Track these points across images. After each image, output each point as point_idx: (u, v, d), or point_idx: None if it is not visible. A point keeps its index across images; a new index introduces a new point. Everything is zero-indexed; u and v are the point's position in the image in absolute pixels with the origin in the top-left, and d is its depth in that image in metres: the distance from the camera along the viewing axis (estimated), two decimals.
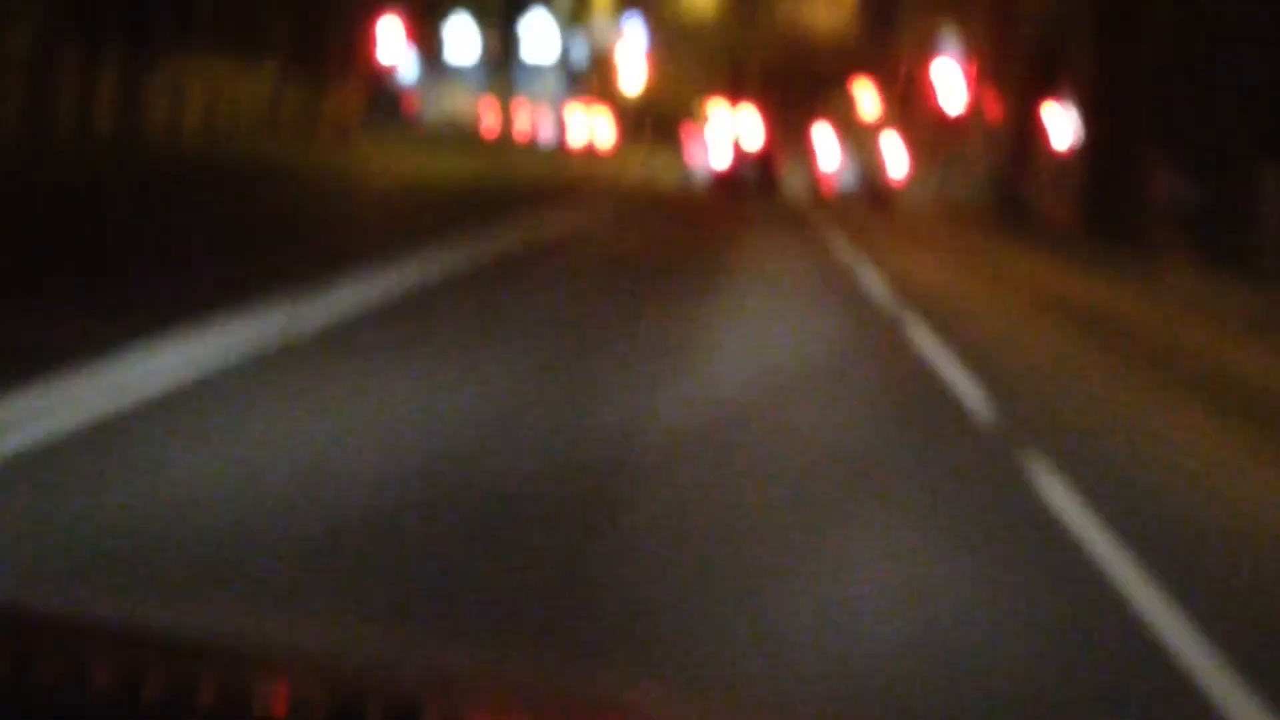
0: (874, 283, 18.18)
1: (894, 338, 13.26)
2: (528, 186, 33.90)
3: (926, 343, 12.71)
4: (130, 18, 30.52)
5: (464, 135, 73.35)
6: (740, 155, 39.20)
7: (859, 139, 40.33)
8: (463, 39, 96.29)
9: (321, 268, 12.82)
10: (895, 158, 40.06)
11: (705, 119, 49.66)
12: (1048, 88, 38.22)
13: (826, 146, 40.52)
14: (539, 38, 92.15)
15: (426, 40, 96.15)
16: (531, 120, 73.74)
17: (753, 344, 12.17)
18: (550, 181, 37.63)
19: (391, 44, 46.92)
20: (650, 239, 22.81)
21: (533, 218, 23.07)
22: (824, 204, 39.86)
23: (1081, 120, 35.64)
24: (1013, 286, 20.98)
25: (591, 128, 68.36)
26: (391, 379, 8.84)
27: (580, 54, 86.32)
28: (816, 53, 61.51)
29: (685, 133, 46.77)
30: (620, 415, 8.30)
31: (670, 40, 72.22)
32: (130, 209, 17.82)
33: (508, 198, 28.06)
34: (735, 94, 64.33)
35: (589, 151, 63.76)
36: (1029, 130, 39.59)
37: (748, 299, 15.90)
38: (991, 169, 45.33)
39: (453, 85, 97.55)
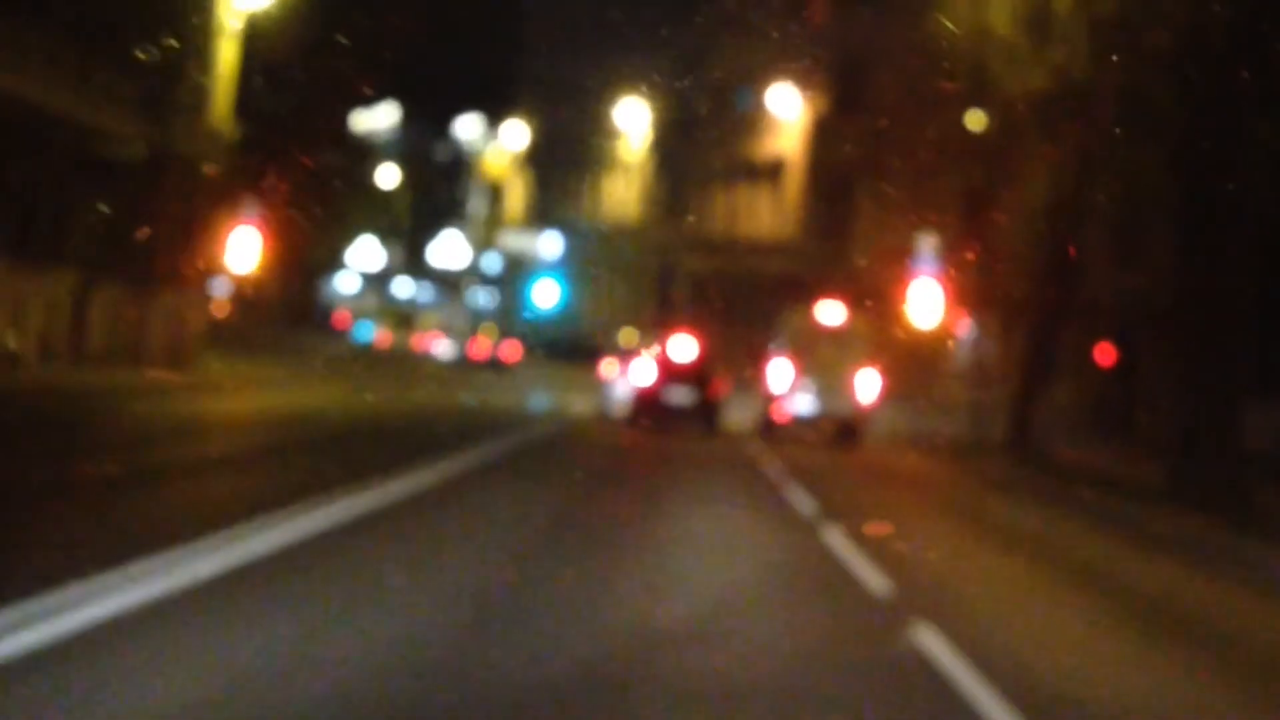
0: (880, 602, 10.47)
1: None
2: (394, 426, 25.50)
3: None
4: None
5: (361, 350, 66.18)
6: (669, 372, 30.68)
7: (818, 357, 31.75)
8: (366, 255, 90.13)
9: None
10: (864, 379, 31.54)
11: (629, 334, 41.24)
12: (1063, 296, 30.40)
13: (778, 366, 31.90)
14: (450, 252, 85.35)
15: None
16: (432, 334, 66.32)
17: None
18: (421, 416, 29.13)
19: (246, 254, 38.29)
20: (514, 525, 14.25)
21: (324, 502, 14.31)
22: (776, 436, 31.28)
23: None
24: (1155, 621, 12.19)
25: (497, 344, 60.71)
26: None
27: (493, 267, 79.13)
28: (760, 260, 53.52)
29: (604, 350, 38.32)
30: None
31: (591, 249, 64.40)
32: None
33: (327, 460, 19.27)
34: (664, 305, 56.14)
35: (491, 367, 57.03)
36: (1041, 351, 31.57)
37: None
38: (976, 399, 37.14)
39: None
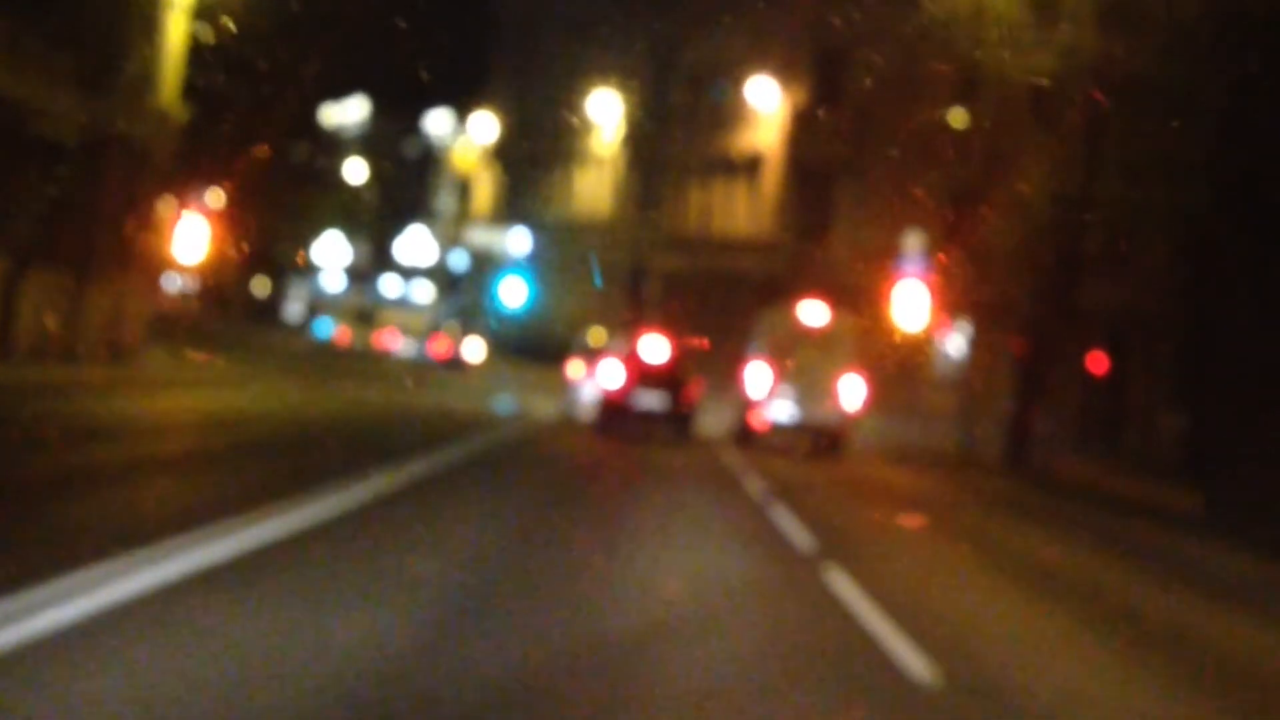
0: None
1: None
2: (335, 430, 23.39)
3: None
4: None
5: (319, 347, 64.05)
6: (640, 374, 28.65)
7: (798, 360, 29.68)
8: (332, 250, 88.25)
9: None
10: (848, 385, 29.48)
11: (598, 334, 39.15)
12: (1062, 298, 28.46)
13: (755, 370, 29.84)
14: (415, 248, 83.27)
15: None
16: (392, 332, 63.49)
17: None
18: (368, 419, 27.04)
19: (194, 244, 36.07)
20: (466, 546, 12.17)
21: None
22: (754, 445, 29.23)
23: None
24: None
25: (460, 342, 58.47)
26: None
27: (460, 263, 77.00)
28: (736, 258, 51.48)
29: (572, 351, 36.16)
30: None
31: (560, 246, 62.28)
32: None
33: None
34: (635, 304, 54.14)
35: (453, 366, 55.18)
36: (1039, 358, 29.61)
37: None
38: (964, 408, 35.23)
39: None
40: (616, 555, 12.24)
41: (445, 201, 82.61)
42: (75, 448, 15.85)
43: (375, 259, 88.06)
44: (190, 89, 36.46)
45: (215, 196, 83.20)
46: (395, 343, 65.78)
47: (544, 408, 35.04)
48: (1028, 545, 17.17)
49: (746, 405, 30.18)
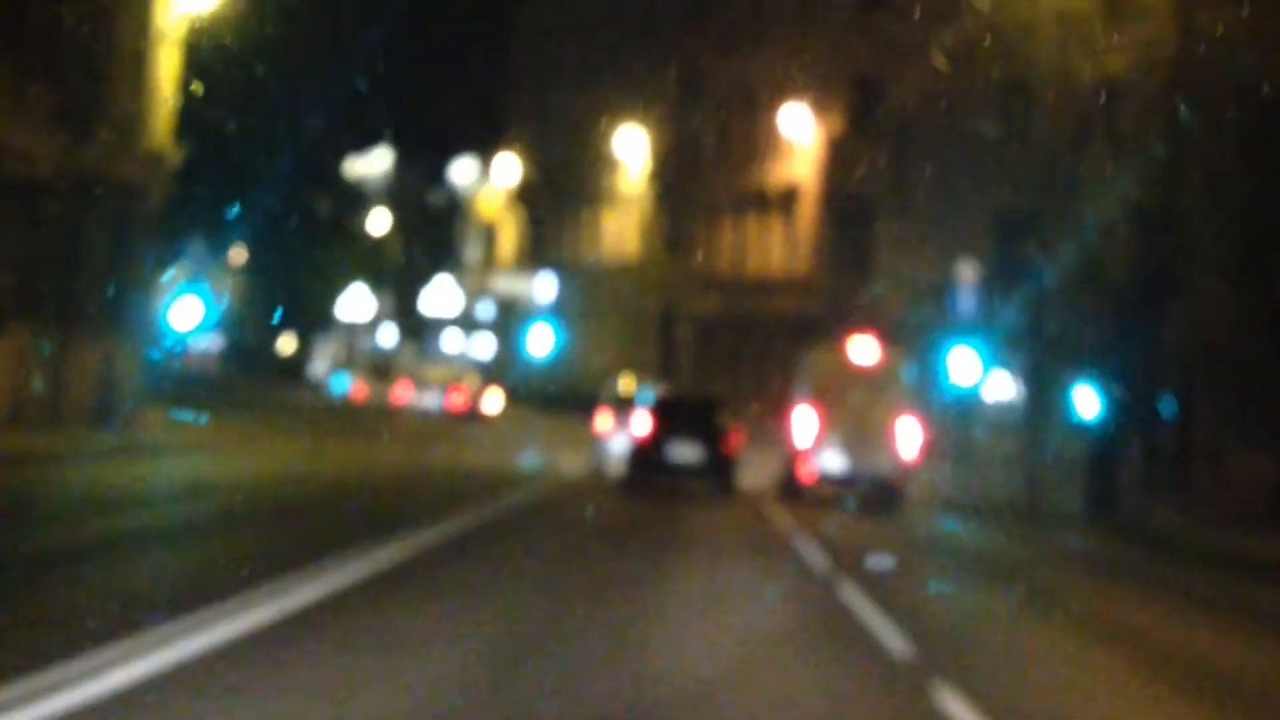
0: None
1: None
2: (329, 499, 20.78)
3: None
4: None
5: (335, 404, 61.67)
6: (674, 424, 25.88)
7: (848, 404, 26.81)
8: (359, 301, 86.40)
9: None
10: (904, 430, 26.60)
11: (628, 381, 36.41)
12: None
13: (801, 416, 27.01)
14: (442, 300, 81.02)
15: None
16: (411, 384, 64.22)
17: None
18: (371, 484, 24.34)
19: (189, 308, 33.10)
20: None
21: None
22: (801, 499, 26.35)
23: None
24: None
25: (477, 393, 55.74)
26: None
27: (486, 313, 74.54)
28: (772, 298, 48.69)
29: (600, 400, 33.41)
30: None
31: (585, 291, 59.66)
32: None
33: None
34: (667, 350, 51.47)
35: (471, 419, 52.70)
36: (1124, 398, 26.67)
37: None
38: (1029, 450, 32.37)
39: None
40: (643, 688, 8.89)
41: (471, 250, 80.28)
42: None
43: (400, 312, 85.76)
44: (186, 129, 33.94)
45: (237, 252, 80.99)
46: (410, 396, 63.28)
47: (571, 463, 32.26)
48: (1187, 638, 13.79)
49: (792, 456, 27.30)
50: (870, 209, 46.01)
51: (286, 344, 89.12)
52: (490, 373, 64.25)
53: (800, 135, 47.68)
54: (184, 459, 27.53)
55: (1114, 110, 30.67)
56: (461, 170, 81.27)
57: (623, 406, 30.92)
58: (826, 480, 27.16)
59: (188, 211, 41.01)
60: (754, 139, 50.26)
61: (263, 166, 46.17)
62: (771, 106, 48.91)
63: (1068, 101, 34.83)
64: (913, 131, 44.60)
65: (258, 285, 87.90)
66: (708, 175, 53.35)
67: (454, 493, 22.35)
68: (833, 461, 26.91)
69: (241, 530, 15.33)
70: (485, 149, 74.85)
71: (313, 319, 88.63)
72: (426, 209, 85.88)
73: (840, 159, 46.60)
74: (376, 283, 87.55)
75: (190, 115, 33.75)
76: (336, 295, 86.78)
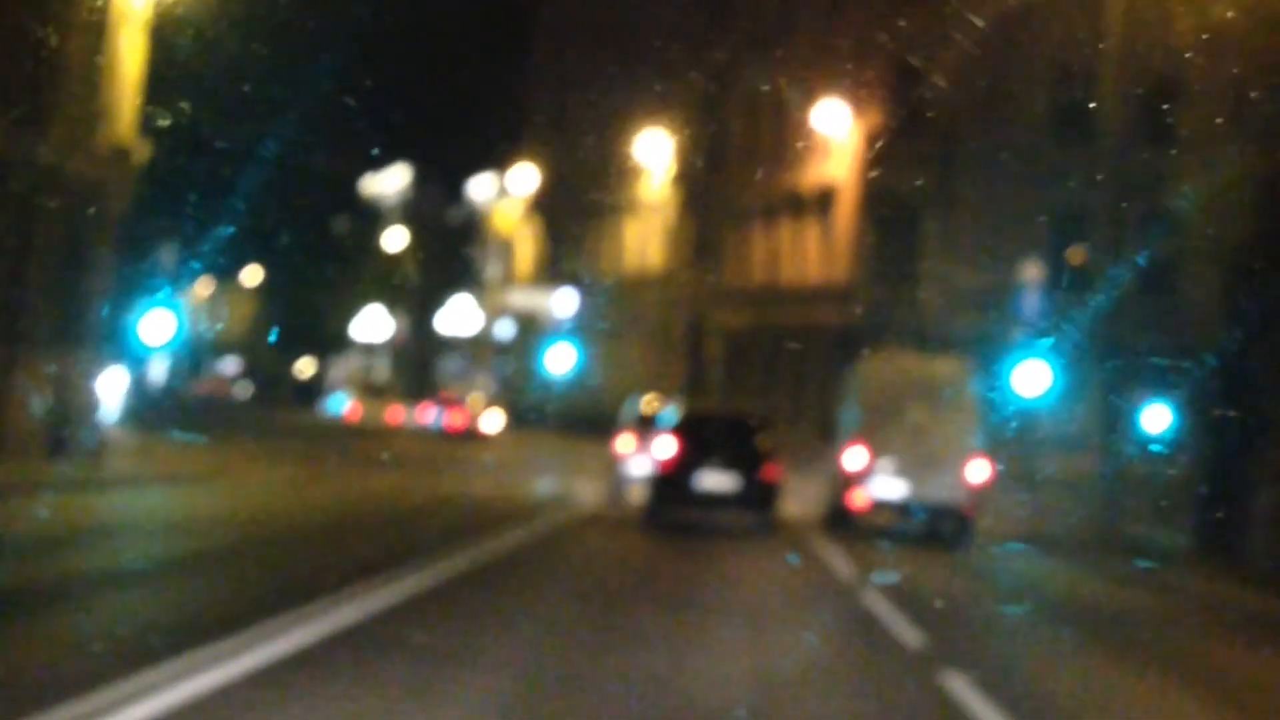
0: None
1: None
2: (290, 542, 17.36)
3: None
4: None
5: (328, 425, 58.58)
6: (703, 447, 22.22)
7: (905, 420, 23.03)
8: (375, 322, 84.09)
9: None
10: (969, 454, 22.79)
11: (651, 401, 32.66)
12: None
13: (851, 434, 23.27)
14: (460, 319, 77.95)
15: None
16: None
17: None
18: (348, 521, 20.85)
19: (160, 321, 29.45)
20: None
21: None
22: (852, 530, 22.52)
23: None
24: None
25: (478, 412, 53.41)
26: None
27: (505, 332, 71.07)
28: (808, 310, 44.94)
29: (621, 422, 29.67)
30: None
31: (607, 305, 55.98)
32: None
33: None
34: (694, 367, 47.86)
35: (469, 436, 50.43)
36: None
37: None
38: (1111, 473, 28.73)
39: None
40: None
41: (489, 268, 77.03)
42: None
43: (418, 332, 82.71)
44: (154, 122, 30.34)
45: (251, 272, 78.00)
46: (406, 416, 60.31)
47: (585, 491, 28.53)
48: None
49: (842, 480, 23.48)
50: (914, 209, 42.31)
51: (305, 366, 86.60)
52: (503, 392, 60.99)
53: (836, 132, 43.88)
54: (143, 492, 24.23)
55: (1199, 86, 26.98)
56: (479, 186, 78.15)
57: (645, 428, 27.25)
58: (881, 508, 23.36)
59: (163, 218, 37.49)
60: (786, 138, 46.48)
61: (255, 175, 42.53)
62: (804, 103, 45.14)
63: (1139, 80, 31.19)
64: (960, 123, 40.94)
65: (273, 306, 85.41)
66: (736, 179, 49.64)
67: (432, 536, 18.64)
68: (889, 487, 23.11)
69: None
70: (503, 163, 71.57)
71: (330, 341, 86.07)
72: (444, 227, 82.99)
73: (880, 157, 42.82)
74: (393, 302, 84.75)
75: (163, 111, 30.26)
76: (353, 316, 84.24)
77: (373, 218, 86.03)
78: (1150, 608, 17.35)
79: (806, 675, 10.41)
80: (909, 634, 12.06)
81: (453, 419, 52.91)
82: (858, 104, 43.31)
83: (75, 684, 7.96)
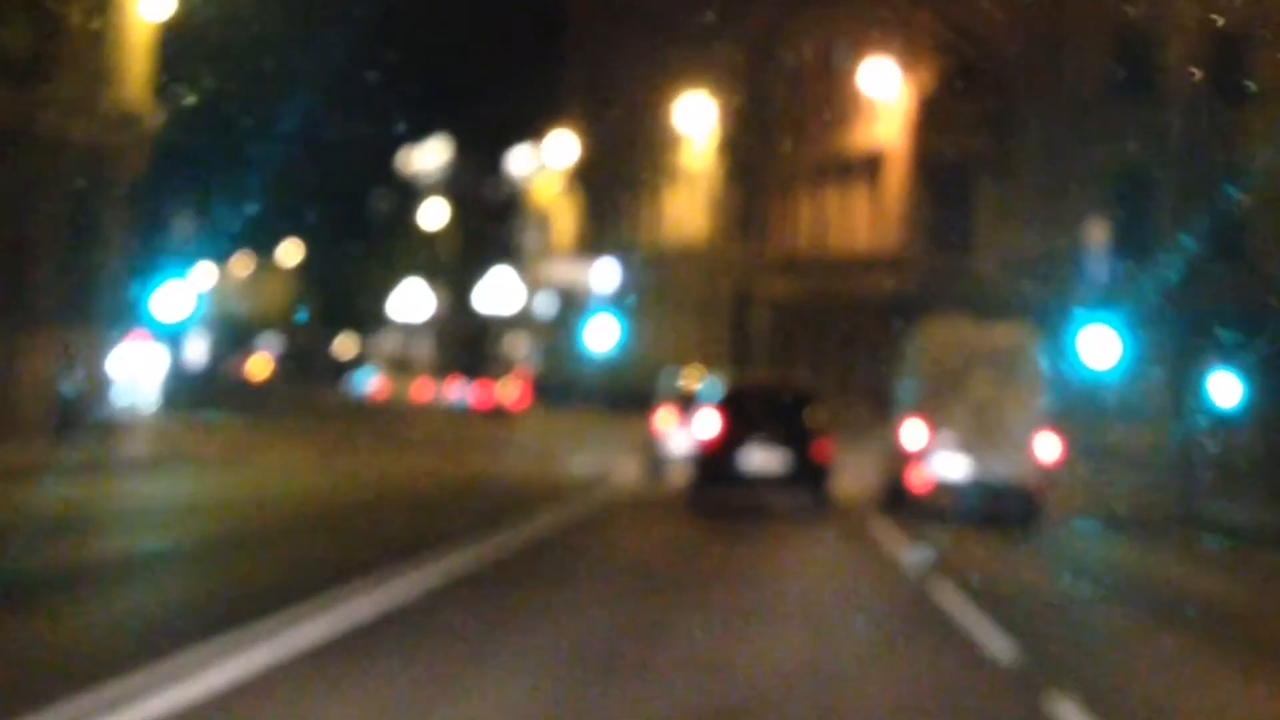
0: None
1: None
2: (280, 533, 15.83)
3: None
4: None
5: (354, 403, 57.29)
6: (749, 424, 20.53)
7: (969, 393, 21.23)
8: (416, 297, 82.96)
9: None
10: (1038, 428, 21.00)
11: (693, 374, 30.96)
12: None
13: (910, 407, 21.50)
14: (500, 294, 76.44)
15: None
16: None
17: None
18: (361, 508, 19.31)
19: (176, 296, 28.08)
20: None
21: None
22: (912, 512, 20.73)
23: None
24: None
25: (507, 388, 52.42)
26: None
27: (547, 306, 69.42)
28: (858, 278, 43.16)
29: (659, 396, 28.00)
30: None
31: (650, 277, 54.27)
32: None
33: None
34: (741, 339, 46.12)
35: (498, 414, 49.16)
36: None
37: None
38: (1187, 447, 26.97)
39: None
40: None
41: (529, 241, 75.44)
42: None
43: (457, 308, 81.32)
44: (171, 90, 28.79)
45: (289, 249, 76.62)
46: (431, 392, 59.04)
47: (624, 470, 26.89)
48: None
49: (900, 458, 21.73)
50: (968, 173, 40.47)
51: (346, 345, 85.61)
52: (544, 368, 59.56)
53: (886, 94, 42.01)
54: (148, 476, 22.66)
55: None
56: (518, 159, 76.57)
57: (687, 403, 25.62)
58: (944, 488, 21.60)
59: (185, 191, 36.09)
60: (833, 101, 44.63)
61: (282, 150, 41.04)
62: (852, 63, 43.30)
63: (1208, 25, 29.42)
64: (1016, 82, 39.11)
65: (312, 285, 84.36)
66: (782, 145, 47.77)
67: (453, 525, 17.06)
68: (951, 465, 21.35)
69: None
70: (541, 135, 69.99)
71: (370, 319, 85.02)
72: (484, 201, 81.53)
73: (932, 118, 40.97)
74: (432, 277, 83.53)
75: (184, 82, 28.76)
76: (391, 293, 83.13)
77: (411, 193, 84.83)
78: (1245, 598, 15.56)
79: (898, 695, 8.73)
80: (996, 643, 10.31)
81: (479, 396, 51.41)
82: (907, 64, 41.40)
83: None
